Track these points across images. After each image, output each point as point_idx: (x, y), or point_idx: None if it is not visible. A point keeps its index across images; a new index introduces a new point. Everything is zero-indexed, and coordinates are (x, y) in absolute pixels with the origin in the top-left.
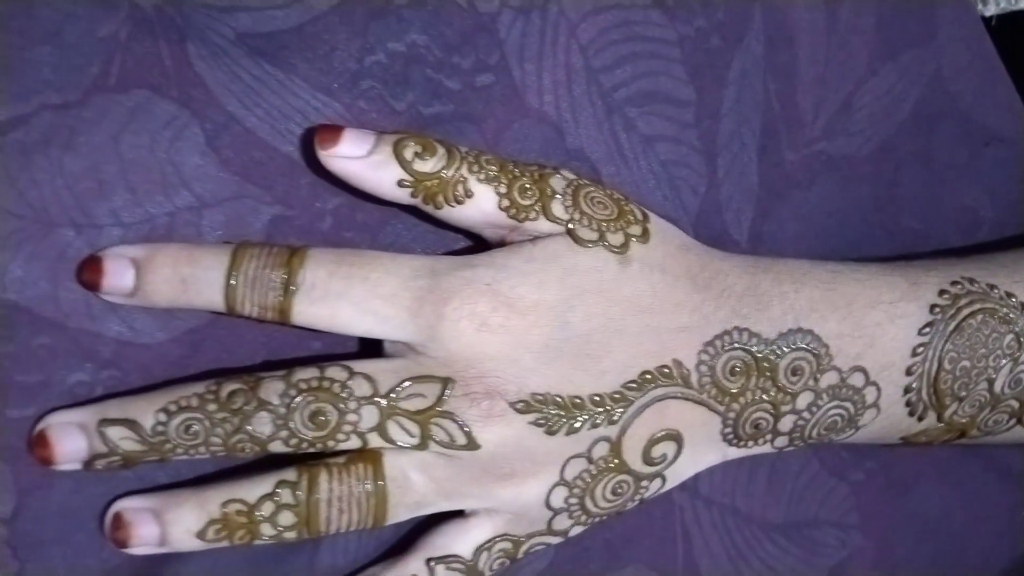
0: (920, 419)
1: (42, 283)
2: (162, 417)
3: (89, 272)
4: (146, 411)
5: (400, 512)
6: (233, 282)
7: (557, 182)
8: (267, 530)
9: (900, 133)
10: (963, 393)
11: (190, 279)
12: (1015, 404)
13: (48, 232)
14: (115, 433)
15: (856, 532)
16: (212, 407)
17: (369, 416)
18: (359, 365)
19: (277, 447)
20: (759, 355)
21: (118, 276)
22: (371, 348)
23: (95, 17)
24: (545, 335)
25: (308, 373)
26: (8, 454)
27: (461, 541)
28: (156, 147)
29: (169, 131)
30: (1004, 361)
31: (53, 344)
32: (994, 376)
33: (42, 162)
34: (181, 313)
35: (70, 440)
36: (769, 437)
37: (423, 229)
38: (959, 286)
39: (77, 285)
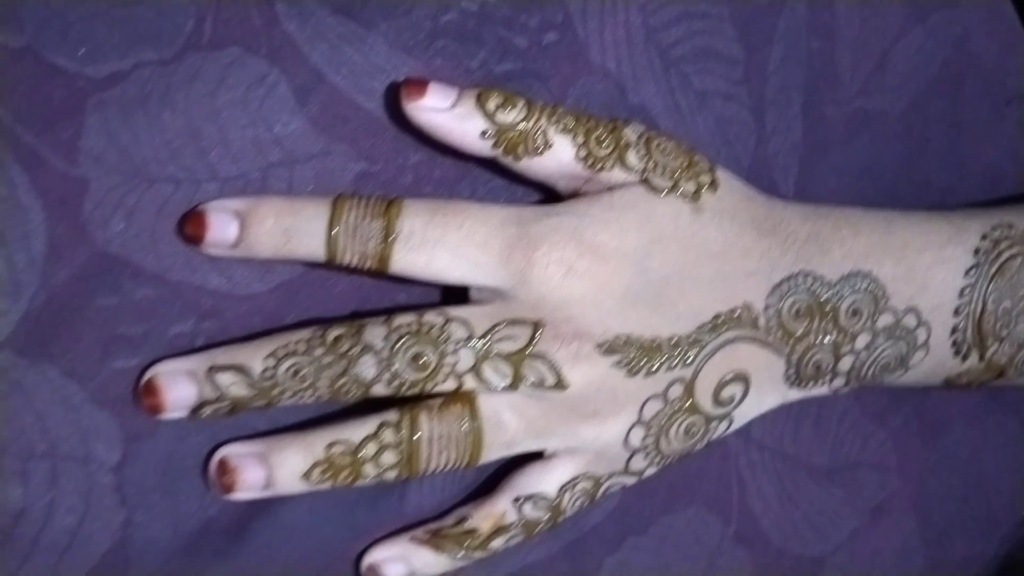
0: (964, 359)
1: (143, 237)
2: (270, 362)
3: (192, 225)
4: (254, 357)
5: (493, 451)
6: (334, 232)
7: (631, 132)
8: (370, 470)
9: (929, 91)
10: (1004, 332)
11: (293, 229)
12: None
13: (148, 187)
14: (225, 379)
15: (894, 474)
16: (318, 351)
17: (466, 358)
18: (454, 311)
19: (379, 390)
20: (822, 297)
21: (222, 228)
22: (453, 301)
23: None
24: (626, 280)
25: (407, 318)
26: (114, 404)
27: (546, 480)
28: (248, 104)
29: (261, 88)
30: None
31: (155, 296)
32: None
33: (141, 118)
34: (275, 265)
35: (179, 387)
36: (828, 378)
37: (497, 184)
38: (999, 231)
39: (176, 238)
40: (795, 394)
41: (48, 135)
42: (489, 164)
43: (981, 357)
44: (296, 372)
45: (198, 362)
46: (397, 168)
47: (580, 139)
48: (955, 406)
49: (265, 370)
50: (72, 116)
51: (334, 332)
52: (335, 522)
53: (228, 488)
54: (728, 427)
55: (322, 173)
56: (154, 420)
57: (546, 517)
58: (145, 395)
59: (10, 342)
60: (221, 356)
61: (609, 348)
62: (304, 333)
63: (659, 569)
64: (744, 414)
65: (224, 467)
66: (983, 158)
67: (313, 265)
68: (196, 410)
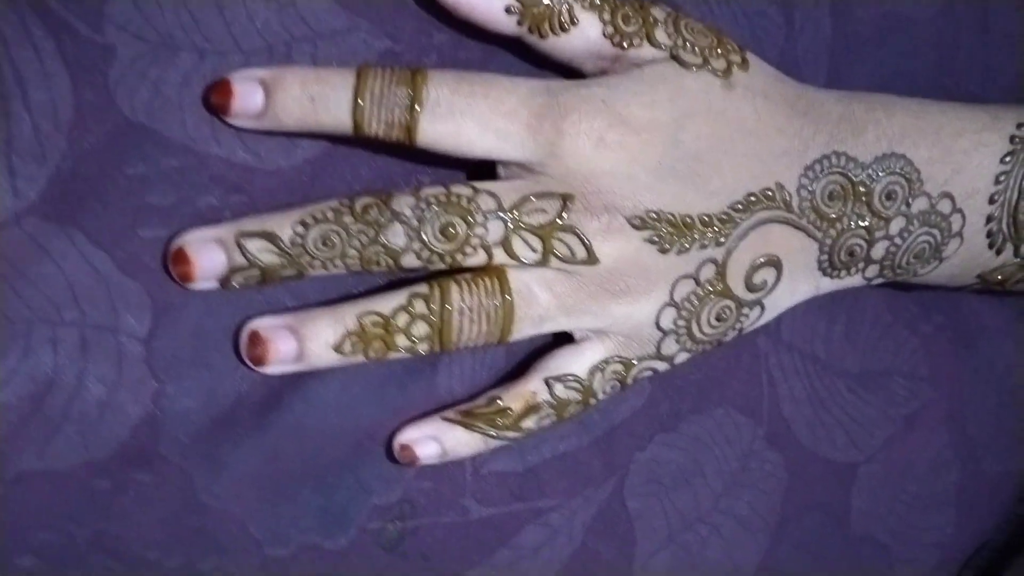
0: (999, 252)
1: (170, 107)
2: (300, 229)
3: (219, 94)
4: (284, 224)
5: (524, 326)
6: (361, 101)
7: (658, 11)
8: (402, 341)
9: None
10: None
11: (319, 97)
12: None
13: (173, 56)
14: (254, 245)
15: (926, 384)
16: (348, 219)
17: (495, 229)
18: (482, 184)
19: (409, 260)
20: (855, 179)
21: (248, 97)
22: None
23: None
24: (658, 153)
25: (436, 189)
26: (143, 274)
27: (577, 362)
28: None
29: None
30: None
31: (182, 166)
32: None
33: None
34: (301, 141)
35: (209, 255)
36: (862, 265)
37: (523, 68)
38: None
39: (202, 110)
40: (828, 284)
41: (74, 2)
42: (516, 46)
43: (1016, 251)
44: (325, 240)
45: (227, 230)
46: (421, 47)
47: (607, 16)
48: (988, 317)
49: (294, 236)
50: None
51: (363, 201)
52: (366, 401)
53: (259, 360)
54: (760, 315)
55: (345, 50)
56: (184, 291)
57: (577, 398)
58: (175, 263)
59: (37, 208)
60: (250, 224)
61: (641, 222)
62: (333, 203)
63: (691, 467)
64: (777, 302)
65: (255, 339)
66: (1012, 66)
67: (339, 141)
68: (226, 279)
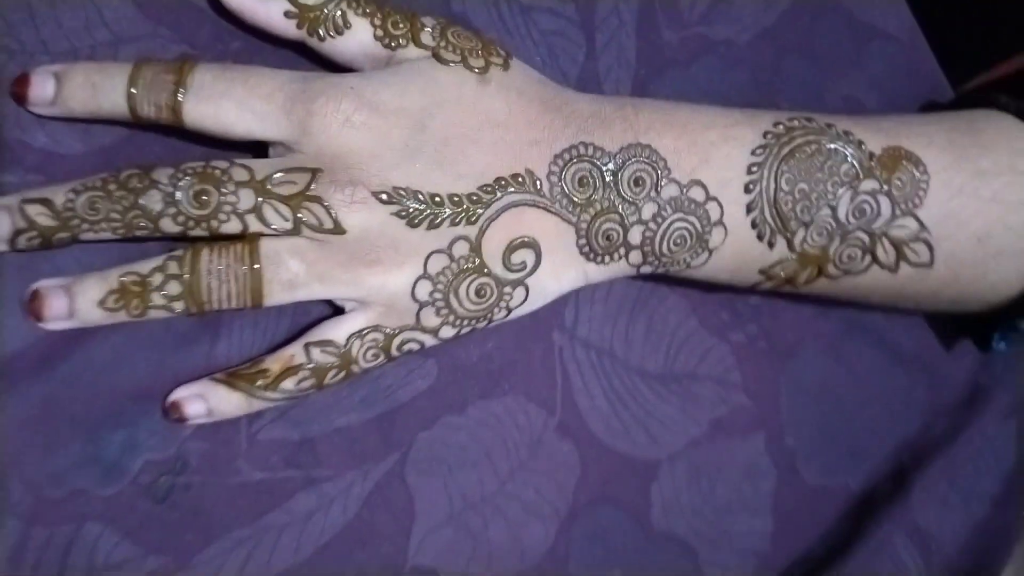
0: (771, 245)
1: None
2: (71, 196)
3: (19, 85)
4: (57, 192)
5: (275, 290)
6: (134, 89)
7: (427, 19)
8: (156, 299)
9: (781, 24)
10: (807, 217)
11: (99, 85)
12: (864, 237)
13: None
14: (32, 210)
15: (738, 391)
16: (112, 187)
17: (246, 198)
18: (240, 159)
19: (167, 224)
20: (603, 166)
21: (41, 87)
22: None
23: None
24: (405, 136)
25: (195, 164)
26: None
27: (336, 330)
28: None
29: None
30: (843, 189)
31: None
32: (835, 203)
33: None
34: (96, 130)
35: None
36: (622, 251)
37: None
38: (796, 121)
39: (9, 100)
40: (595, 271)
41: None
42: (306, 53)
43: (790, 245)
44: (92, 205)
45: (12, 198)
46: (217, 53)
47: (378, 20)
48: (808, 331)
49: (66, 202)
50: None
51: (127, 171)
52: (144, 362)
53: (37, 315)
54: (525, 296)
55: (144, 52)
56: None
57: (335, 362)
58: None
59: None
60: (31, 192)
61: (388, 197)
62: (104, 174)
63: (476, 449)
64: (543, 285)
65: (35, 296)
66: (842, 90)
67: (134, 128)
68: (12, 240)
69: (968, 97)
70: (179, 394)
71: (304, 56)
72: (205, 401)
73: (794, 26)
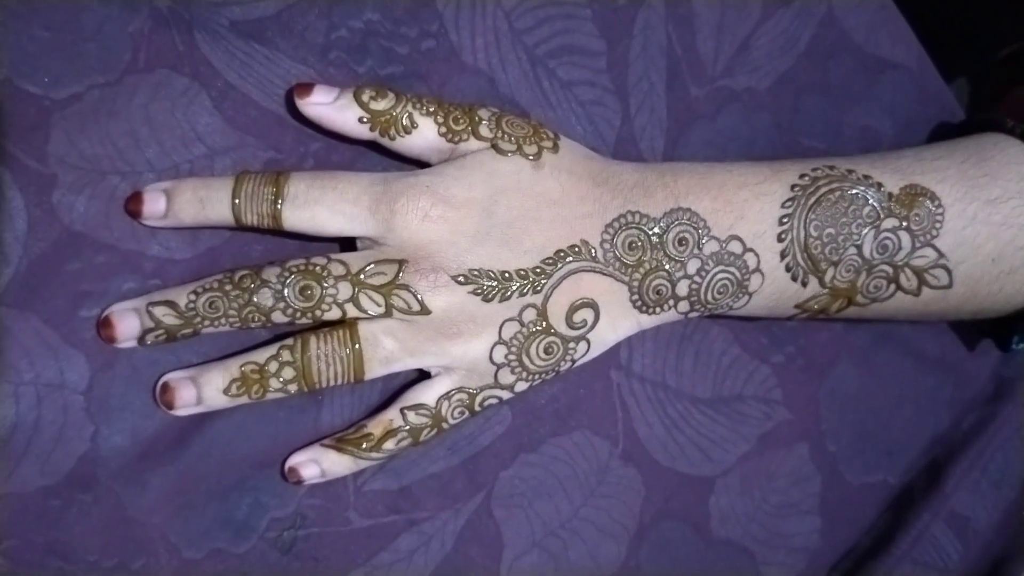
0: (804, 284)
1: (99, 216)
2: (192, 297)
3: (133, 203)
4: (180, 294)
5: (374, 366)
6: (237, 200)
7: (484, 112)
8: (274, 383)
9: (797, 67)
10: (835, 257)
11: (206, 199)
12: (888, 269)
13: (101, 179)
14: (159, 311)
15: (780, 407)
16: (228, 287)
17: (344, 290)
18: (335, 255)
19: (278, 316)
20: (650, 231)
21: (154, 203)
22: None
23: (124, 17)
24: (475, 223)
25: (297, 261)
26: (83, 344)
27: (426, 393)
28: (176, 111)
29: (184, 99)
30: (866, 229)
31: (108, 261)
32: (860, 242)
33: (93, 127)
34: (203, 235)
35: (127, 320)
36: (672, 302)
37: (385, 166)
38: (819, 171)
39: (125, 216)
40: (647, 319)
41: (24, 143)
42: (376, 148)
43: (822, 283)
44: (211, 303)
45: (140, 302)
46: (300, 155)
47: (440, 119)
48: (841, 347)
49: (188, 303)
50: (41, 128)
51: (240, 272)
52: (261, 435)
53: (169, 405)
54: (588, 349)
55: (238, 161)
56: (112, 351)
57: (428, 423)
58: (103, 328)
59: (2, 298)
60: (156, 295)
61: (464, 278)
62: (219, 276)
63: (551, 482)
64: (602, 337)
65: (165, 388)
66: (858, 122)
67: (233, 228)
68: (141, 338)
69: (978, 121)
70: (295, 460)
71: (375, 150)
72: (318, 464)
73: (809, 68)
